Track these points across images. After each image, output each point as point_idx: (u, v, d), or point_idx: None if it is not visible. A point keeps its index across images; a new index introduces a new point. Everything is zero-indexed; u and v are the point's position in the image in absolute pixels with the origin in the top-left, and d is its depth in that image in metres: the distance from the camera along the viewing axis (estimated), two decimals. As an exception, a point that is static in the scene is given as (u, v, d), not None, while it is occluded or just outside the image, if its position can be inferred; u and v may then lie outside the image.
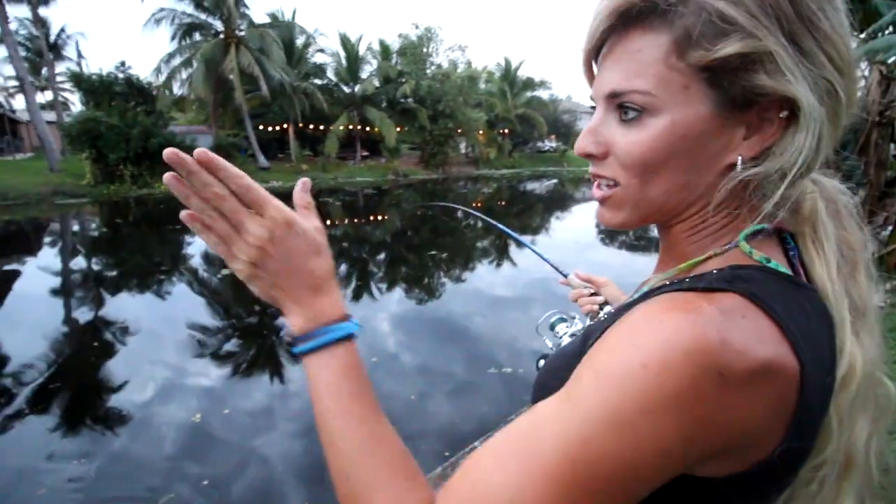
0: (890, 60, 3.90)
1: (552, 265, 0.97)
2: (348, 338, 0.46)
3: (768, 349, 0.35)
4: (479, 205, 18.36)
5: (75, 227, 13.71)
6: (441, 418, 3.69)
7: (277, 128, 26.01)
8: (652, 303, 0.39)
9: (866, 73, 5.05)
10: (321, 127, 26.49)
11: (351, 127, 26.94)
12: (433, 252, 10.14)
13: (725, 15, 0.37)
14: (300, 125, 25.57)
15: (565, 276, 0.88)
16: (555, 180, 29.45)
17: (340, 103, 27.04)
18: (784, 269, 0.41)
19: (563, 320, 0.86)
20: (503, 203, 19.48)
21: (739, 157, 0.41)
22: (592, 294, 0.86)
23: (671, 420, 0.33)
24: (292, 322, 0.47)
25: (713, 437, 0.35)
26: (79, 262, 9.43)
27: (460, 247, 11.09)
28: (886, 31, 4.47)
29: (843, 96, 0.39)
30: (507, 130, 34.88)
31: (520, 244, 1.15)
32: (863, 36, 5.03)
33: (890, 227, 5.33)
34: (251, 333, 5.79)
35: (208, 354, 4.96)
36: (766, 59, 0.37)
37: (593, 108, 0.46)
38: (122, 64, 21.67)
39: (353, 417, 0.43)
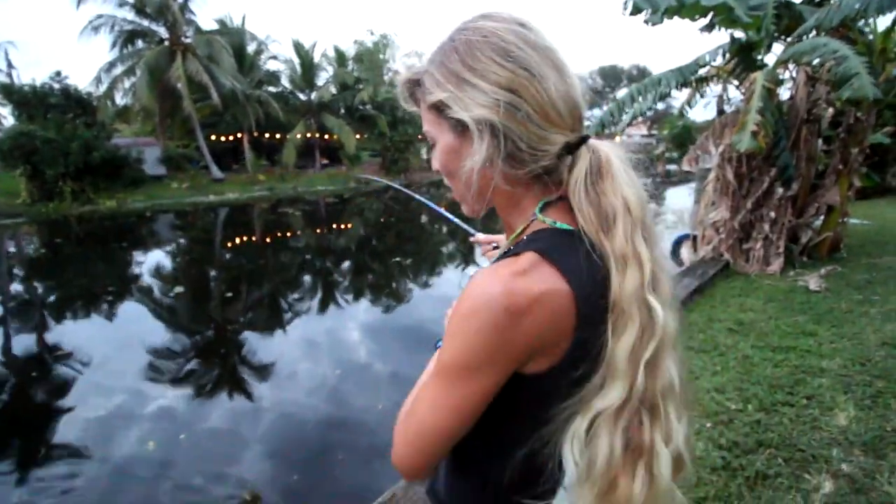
0: (814, 62, 4.18)
1: (461, 226, 1.13)
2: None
3: (545, 285, 0.53)
4: (442, 208, 18.35)
5: (11, 249, 12.77)
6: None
7: (231, 137, 25.15)
8: (482, 270, 0.56)
9: (794, 74, 5.40)
10: (277, 135, 25.85)
11: (309, 135, 26.43)
12: (398, 258, 10.06)
13: (424, 85, 0.62)
14: (255, 134, 24.86)
15: (472, 234, 1.06)
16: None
17: (297, 111, 26.50)
18: (566, 226, 0.58)
19: None
20: (465, 207, 19.57)
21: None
22: (495, 247, 1.04)
23: (484, 343, 0.52)
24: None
25: (518, 346, 0.53)
26: (16, 287, 8.78)
27: (424, 252, 11.06)
28: (810, 35, 4.80)
29: (521, 107, 0.55)
30: (466, 135, 35.08)
31: (433, 211, 1.36)
32: (789, 40, 5.38)
33: (821, 217, 5.71)
34: (209, 353, 5.56)
35: (164, 378, 4.71)
36: (445, 104, 0.58)
37: None
38: (58, 74, 20.38)
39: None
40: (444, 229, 14.01)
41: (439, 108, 0.59)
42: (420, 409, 0.58)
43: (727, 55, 5.51)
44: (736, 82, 5.31)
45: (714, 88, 6.82)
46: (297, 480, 3.10)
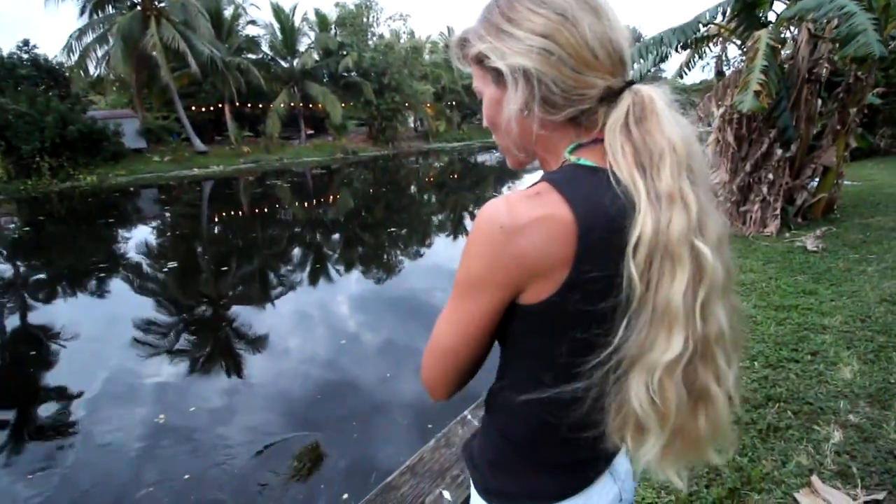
0: (820, 19, 4.11)
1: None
2: None
3: (545, 210, 0.53)
4: (432, 179, 18.23)
5: (-9, 228, 12.40)
6: (417, 392, 3.69)
7: (212, 108, 24.36)
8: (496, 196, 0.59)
9: (795, 32, 5.32)
10: (260, 105, 25.10)
11: (293, 104, 25.70)
12: (392, 229, 9.99)
13: (469, 40, 0.64)
14: (237, 104, 24.08)
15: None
16: (505, 151, 29.55)
17: (279, 79, 25.64)
18: (590, 163, 0.57)
19: None
20: (456, 176, 19.42)
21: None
22: None
23: (483, 260, 0.55)
24: None
25: (512, 265, 0.54)
26: (1, 266, 8.57)
27: (416, 223, 10.99)
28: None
29: (556, 52, 0.55)
30: (455, 102, 34.50)
31: None
32: (792, -4, 5.26)
33: (817, 178, 5.75)
34: (204, 327, 5.53)
35: (160, 353, 4.69)
36: (485, 54, 0.60)
37: None
38: (26, 43, 19.39)
39: None
40: (433, 199, 13.90)
41: (481, 61, 0.61)
42: (435, 331, 0.63)
43: (728, 13, 5.41)
44: (738, 41, 5.21)
45: (713, 49, 6.72)
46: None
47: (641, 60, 5.05)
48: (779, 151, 5.06)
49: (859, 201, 6.63)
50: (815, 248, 4.54)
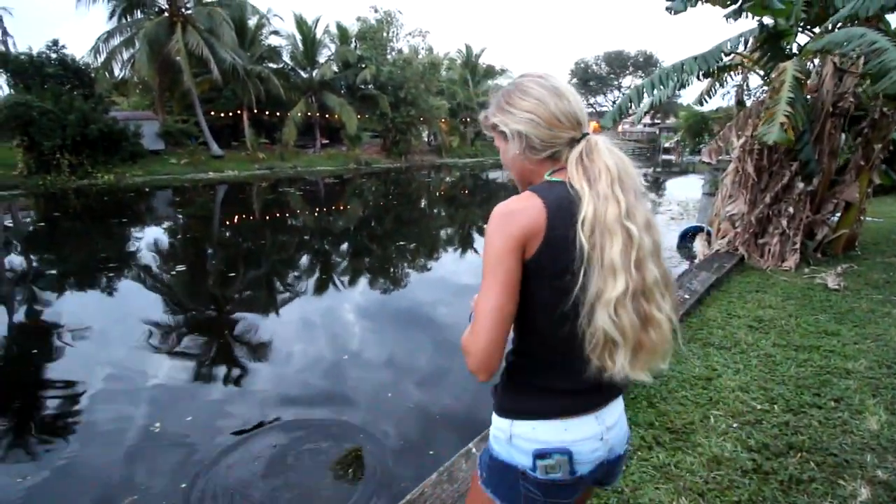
0: (850, 53, 4.04)
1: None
2: None
3: (528, 202, 0.88)
4: (442, 192, 18.24)
5: (7, 222, 12.57)
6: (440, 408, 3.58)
7: (230, 114, 24.72)
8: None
9: (819, 65, 5.24)
10: (277, 113, 25.43)
11: (309, 114, 26.00)
12: (402, 242, 9.95)
13: (487, 116, 1.01)
14: (255, 111, 24.43)
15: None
16: (517, 169, 29.49)
17: (297, 89, 26.01)
18: (557, 179, 0.93)
19: None
20: (466, 192, 19.42)
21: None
22: None
23: (497, 239, 0.87)
24: None
25: (515, 236, 0.86)
26: (14, 260, 8.64)
27: (426, 236, 10.95)
28: (839, 24, 4.64)
29: (535, 120, 0.92)
30: (469, 119, 34.73)
31: None
32: (817, 30, 5.21)
33: (839, 214, 5.62)
34: (210, 331, 5.48)
35: (166, 354, 4.63)
36: (496, 124, 0.98)
37: None
38: (55, 43, 19.83)
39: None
40: (442, 212, 13.90)
41: (496, 127, 0.99)
42: (480, 303, 0.89)
43: (749, 43, 5.36)
44: (761, 72, 5.15)
45: (733, 78, 6.67)
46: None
47: (661, 87, 5.00)
48: (800, 185, 4.96)
49: (881, 238, 6.47)
50: (836, 287, 4.40)
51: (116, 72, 21.43)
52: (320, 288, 7.07)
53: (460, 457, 2.05)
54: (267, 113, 25.37)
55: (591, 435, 0.98)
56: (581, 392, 0.96)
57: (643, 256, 0.86)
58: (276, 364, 4.47)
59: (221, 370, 4.42)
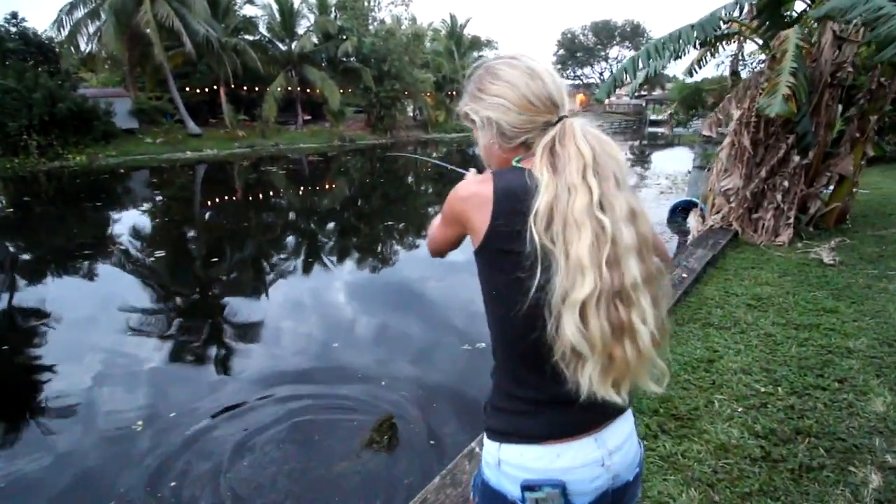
0: (854, 20, 3.88)
1: (455, 168, 1.48)
2: None
3: (479, 188, 0.82)
4: (429, 168, 17.96)
5: (-26, 208, 12.01)
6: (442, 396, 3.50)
7: (207, 89, 23.75)
8: (467, 178, 0.91)
9: (818, 33, 5.08)
10: (256, 88, 24.53)
11: (290, 88, 25.14)
12: (390, 221, 9.75)
13: (461, 105, 0.93)
14: (232, 86, 23.50)
15: (467, 171, 1.23)
16: (504, 143, 29.10)
17: (276, 62, 25.03)
18: (521, 166, 0.83)
19: None
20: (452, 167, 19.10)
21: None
22: None
23: (448, 210, 0.88)
24: None
25: (461, 214, 0.86)
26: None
27: (413, 214, 10.75)
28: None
29: (506, 105, 0.83)
30: (455, 92, 34.02)
31: (432, 162, 1.49)
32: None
33: (832, 187, 5.58)
34: (194, 315, 5.30)
35: (149, 340, 4.48)
36: (468, 112, 0.90)
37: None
38: (14, 16, 18.64)
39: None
40: (430, 189, 13.69)
41: (468, 116, 0.91)
42: (433, 227, 1.00)
43: (746, 10, 5.17)
44: (759, 40, 4.98)
45: (726, 48, 6.49)
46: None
47: (658, 57, 4.81)
48: (796, 158, 4.87)
49: (869, 211, 6.48)
50: (831, 262, 4.37)
51: (83, 46, 20.33)
52: (309, 268, 6.89)
53: (463, 458, 1.95)
54: (245, 88, 24.45)
55: (590, 461, 0.85)
56: (573, 409, 0.81)
57: (620, 252, 0.73)
58: (280, 343, 4.34)
59: (214, 350, 4.27)
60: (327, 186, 14.63)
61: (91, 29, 19.90)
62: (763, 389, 2.63)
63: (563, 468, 0.84)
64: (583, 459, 0.85)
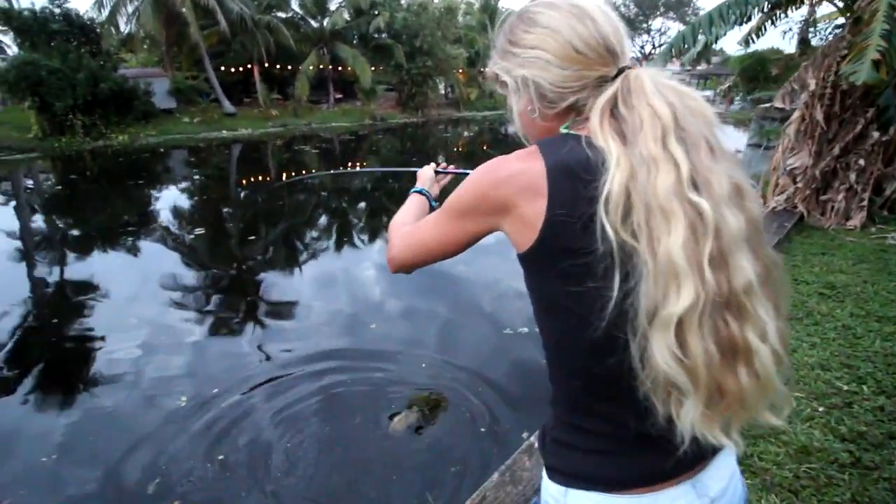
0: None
1: (397, 170, 1.69)
2: (420, 193, 1.07)
3: (525, 164, 0.63)
4: (460, 149, 17.66)
5: (29, 185, 12.56)
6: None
7: (241, 69, 23.96)
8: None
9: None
10: (289, 67, 24.57)
11: (322, 66, 25.07)
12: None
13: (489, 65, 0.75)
14: (266, 65, 23.61)
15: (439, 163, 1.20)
16: (537, 121, 28.39)
17: (308, 39, 24.94)
18: (573, 132, 0.65)
19: None
20: (485, 147, 18.75)
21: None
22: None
23: (470, 197, 0.68)
24: (418, 184, 1.11)
25: (491, 204, 0.66)
26: (38, 223, 8.60)
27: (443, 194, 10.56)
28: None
29: (545, 58, 0.65)
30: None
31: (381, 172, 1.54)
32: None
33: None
34: (228, 291, 5.38)
35: (192, 318, 4.56)
36: (498, 73, 0.73)
37: None
38: (57, -4, 19.13)
39: (405, 209, 1.00)
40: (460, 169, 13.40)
41: (499, 77, 0.73)
42: (422, 229, 0.78)
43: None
44: (839, 2, 4.50)
45: (791, 13, 5.94)
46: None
47: (722, 23, 4.41)
48: (875, 134, 4.43)
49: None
50: (913, 247, 3.99)
51: (122, 26, 20.76)
52: (341, 247, 6.87)
53: (521, 453, 1.83)
54: (278, 67, 24.53)
55: None
56: (664, 446, 0.62)
57: (726, 247, 0.54)
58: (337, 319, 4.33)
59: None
60: (361, 164, 14.59)
61: (130, 9, 20.25)
62: (846, 388, 2.40)
63: None
64: None
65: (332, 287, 5.42)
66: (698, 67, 40.44)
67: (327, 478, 2.61)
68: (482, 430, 2.92)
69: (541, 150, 0.63)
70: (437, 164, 1.20)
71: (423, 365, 3.64)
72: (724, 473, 0.71)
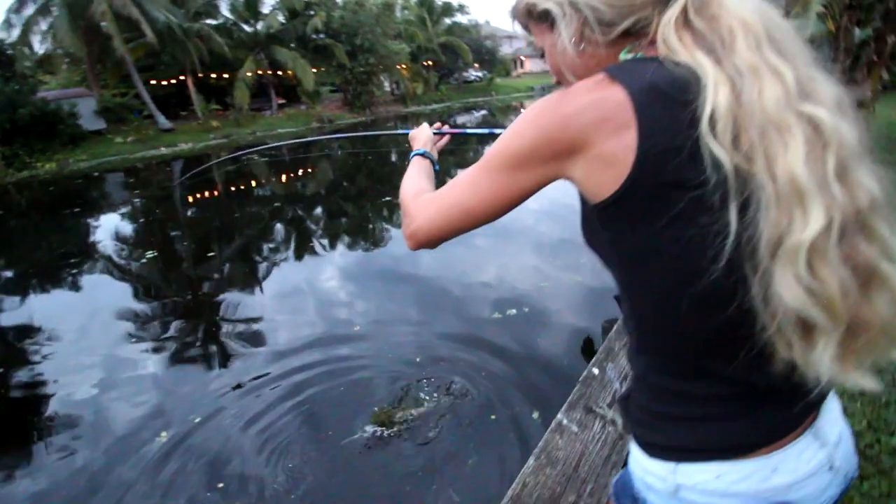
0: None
1: (382, 132, 1.74)
2: (424, 155, 0.98)
3: (597, 94, 0.53)
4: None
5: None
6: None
7: (173, 81, 22.74)
8: None
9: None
10: (225, 75, 23.53)
11: (260, 72, 24.15)
12: (387, 198, 9.42)
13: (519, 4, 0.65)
14: (200, 75, 22.51)
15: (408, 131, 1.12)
16: (485, 111, 28.50)
17: (244, 45, 23.92)
18: (642, 55, 0.57)
19: None
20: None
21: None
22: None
23: (530, 139, 0.57)
24: (416, 147, 1.02)
25: (560, 144, 0.54)
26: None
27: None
28: None
29: None
30: (431, 62, 33.06)
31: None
32: None
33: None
34: (191, 315, 5.03)
35: (151, 348, 4.22)
36: (533, 8, 0.62)
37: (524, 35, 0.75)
38: (-43, 18, 17.49)
39: (414, 175, 0.88)
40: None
41: (531, 13, 0.63)
42: (456, 190, 0.65)
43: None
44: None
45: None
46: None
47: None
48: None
49: (890, 143, 6.29)
50: None
51: (37, 46, 19.25)
52: (302, 252, 6.60)
53: (552, 433, 1.76)
54: (213, 76, 23.45)
55: (816, 467, 0.60)
56: (781, 398, 0.57)
57: (847, 159, 0.49)
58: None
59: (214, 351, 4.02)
60: (311, 170, 14.15)
61: (44, 26, 18.77)
62: None
63: (784, 485, 0.58)
64: (807, 467, 0.60)
65: (296, 296, 5.18)
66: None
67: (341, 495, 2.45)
68: (492, 417, 2.83)
69: (613, 76, 0.53)
70: (432, 125, 1.12)
71: (418, 360, 3.53)
72: (835, 416, 0.65)
